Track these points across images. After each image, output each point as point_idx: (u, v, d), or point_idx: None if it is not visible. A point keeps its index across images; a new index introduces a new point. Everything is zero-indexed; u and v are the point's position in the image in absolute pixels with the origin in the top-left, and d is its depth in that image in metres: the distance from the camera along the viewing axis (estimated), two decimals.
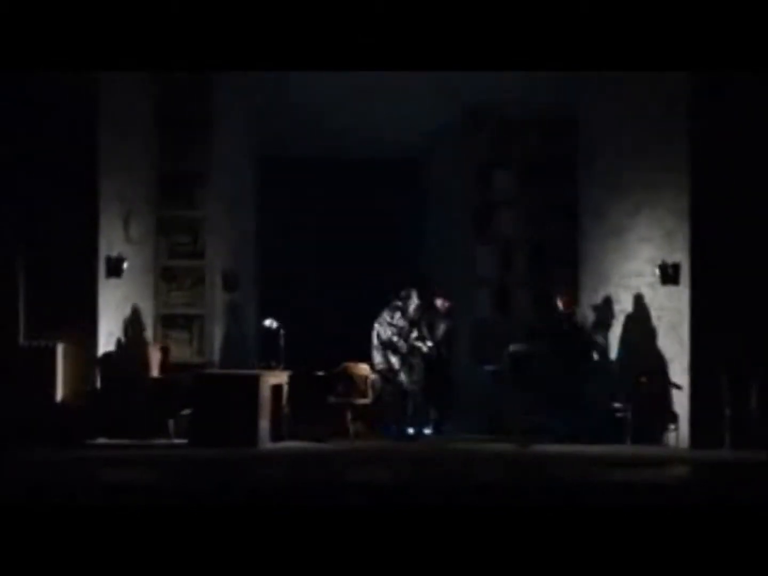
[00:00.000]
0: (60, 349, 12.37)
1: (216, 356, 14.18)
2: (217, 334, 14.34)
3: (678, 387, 12.64)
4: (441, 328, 14.08)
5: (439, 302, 14.28)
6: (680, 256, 12.66)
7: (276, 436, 12.75)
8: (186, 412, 12.55)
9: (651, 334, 13.14)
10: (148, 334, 13.92)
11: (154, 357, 13.12)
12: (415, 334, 13.72)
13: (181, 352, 14.14)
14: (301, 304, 17.01)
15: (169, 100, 14.20)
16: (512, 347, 14.19)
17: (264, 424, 12.38)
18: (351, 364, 13.61)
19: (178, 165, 14.25)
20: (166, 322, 14.26)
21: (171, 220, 14.29)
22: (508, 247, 15.85)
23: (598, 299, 14.18)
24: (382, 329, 13.62)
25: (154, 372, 13.01)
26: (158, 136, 14.20)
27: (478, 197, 15.87)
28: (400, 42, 10.07)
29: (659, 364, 12.95)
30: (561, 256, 15.36)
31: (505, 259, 15.83)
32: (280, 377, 13.02)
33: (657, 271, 12.85)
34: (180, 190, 14.31)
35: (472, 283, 15.95)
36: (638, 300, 13.40)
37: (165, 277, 14.28)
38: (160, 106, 14.17)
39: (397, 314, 13.63)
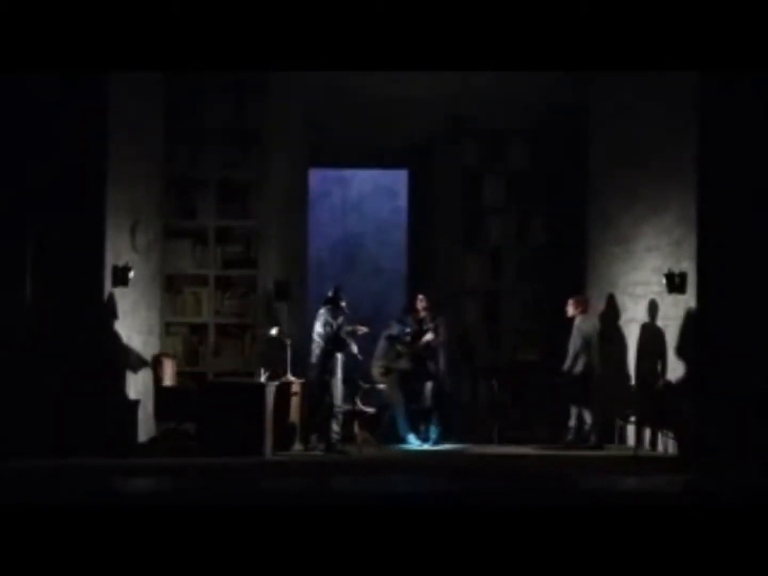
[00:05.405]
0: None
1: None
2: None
3: (683, 395, 12.64)
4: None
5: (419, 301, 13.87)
6: (687, 266, 12.64)
7: (283, 444, 12.75)
8: (190, 422, 12.60)
9: (658, 343, 13.14)
10: (155, 343, 13.95)
11: (161, 366, 13.13)
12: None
13: (234, 362, 14.19)
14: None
15: (222, 108, 14.33)
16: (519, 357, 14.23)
17: (270, 432, 12.37)
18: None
19: (233, 174, 14.34)
20: (219, 331, 14.29)
21: (225, 229, 14.37)
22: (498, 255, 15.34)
23: (604, 308, 14.18)
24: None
25: (162, 381, 13.01)
26: (168, 143, 14.24)
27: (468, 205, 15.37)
28: (400, 42, 10.06)
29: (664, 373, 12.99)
30: (561, 263, 15.22)
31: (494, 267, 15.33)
32: (289, 385, 13.01)
33: (664, 281, 12.83)
34: (234, 199, 14.38)
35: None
36: (645, 309, 13.40)
37: (218, 286, 14.31)
38: (171, 114, 14.22)
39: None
